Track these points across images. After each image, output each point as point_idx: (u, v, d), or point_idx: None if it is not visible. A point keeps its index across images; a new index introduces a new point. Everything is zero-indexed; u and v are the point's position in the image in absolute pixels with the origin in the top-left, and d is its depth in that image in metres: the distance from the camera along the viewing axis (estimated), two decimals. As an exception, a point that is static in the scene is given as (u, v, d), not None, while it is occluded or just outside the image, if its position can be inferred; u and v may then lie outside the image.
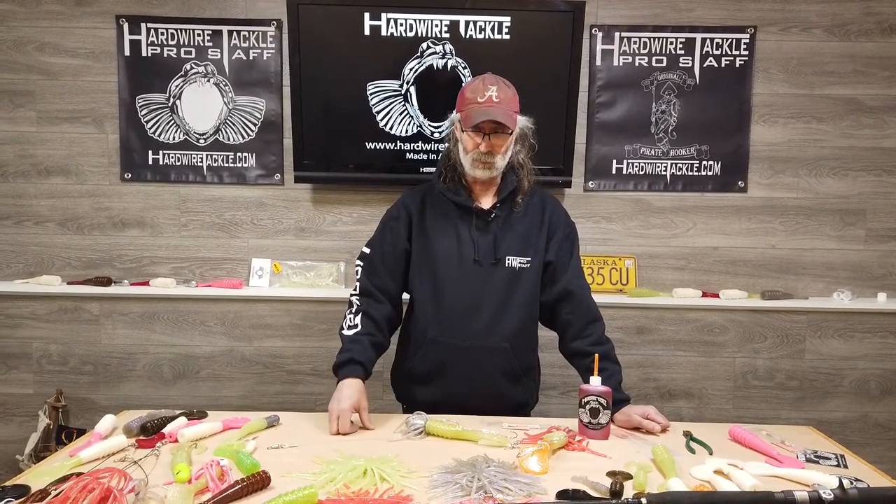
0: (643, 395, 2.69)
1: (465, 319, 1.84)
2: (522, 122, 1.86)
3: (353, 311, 1.88)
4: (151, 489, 1.29)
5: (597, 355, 1.73)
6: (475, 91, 1.78)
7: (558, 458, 1.54)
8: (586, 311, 1.90)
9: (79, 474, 1.32)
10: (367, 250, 1.95)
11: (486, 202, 1.88)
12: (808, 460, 1.56)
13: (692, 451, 1.61)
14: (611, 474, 1.41)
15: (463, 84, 1.85)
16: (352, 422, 1.70)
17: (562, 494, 1.32)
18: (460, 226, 1.87)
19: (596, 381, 1.68)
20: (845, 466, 1.53)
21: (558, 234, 1.92)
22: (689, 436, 1.68)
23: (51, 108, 2.63)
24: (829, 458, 1.57)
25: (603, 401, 1.65)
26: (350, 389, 1.74)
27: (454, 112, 1.87)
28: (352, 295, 1.92)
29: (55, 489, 1.23)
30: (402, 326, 2.00)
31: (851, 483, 1.32)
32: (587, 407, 1.66)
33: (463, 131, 1.81)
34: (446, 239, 1.87)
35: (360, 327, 1.85)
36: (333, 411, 1.69)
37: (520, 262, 1.86)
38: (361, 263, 1.94)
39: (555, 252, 1.90)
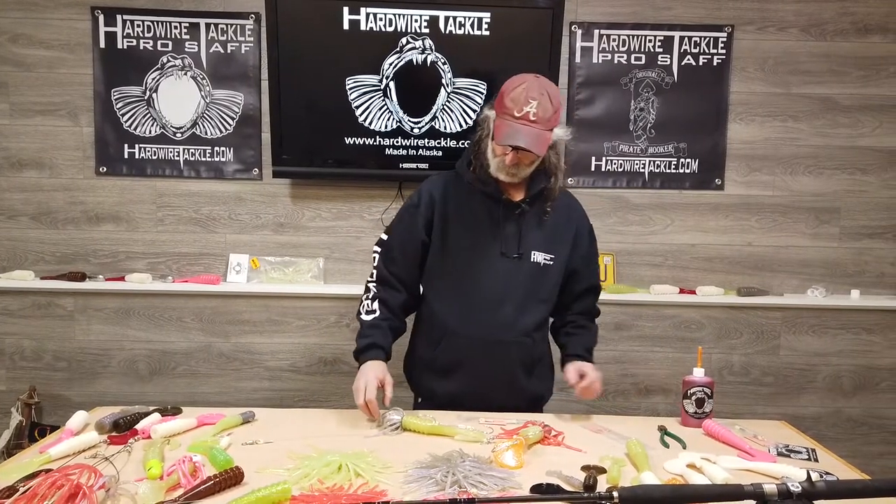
0: (621, 391, 2.71)
1: (488, 312, 1.83)
2: (560, 133, 1.81)
3: (371, 296, 1.88)
4: (122, 485, 1.28)
5: None
6: (515, 101, 1.71)
7: (533, 453, 1.54)
8: (593, 306, 2.03)
9: (48, 471, 1.30)
10: (384, 237, 1.93)
11: (516, 196, 1.86)
12: (780, 454, 1.58)
13: (666, 445, 1.62)
14: (585, 468, 1.41)
15: (511, 79, 1.78)
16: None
17: (536, 488, 1.32)
18: (487, 217, 1.85)
19: (699, 372, 1.76)
20: (816, 460, 1.56)
21: (584, 241, 1.94)
22: (663, 430, 1.70)
23: (24, 101, 2.59)
24: (800, 452, 1.59)
25: (708, 390, 1.73)
26: (374, 367, 1.76)
27: (492, 106, 1.80)
28: (369, 281, 1.91)
29: (23, 486, 1.21)
30: (419, 317, 1.98)
31: (821, 476, 1.34)
32: (693, 398, 1.74)
33: (493, 138, 1.78)
34: (471, 230, 1.85)
35: (378, 313, 1.86)
36: (361, 385, 1.71)
37: (545, 259, 1.86)
38: (379, 250, 1.92)
39: (580, 259, 1.92)
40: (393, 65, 2.50)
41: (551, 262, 1.86)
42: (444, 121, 2.55)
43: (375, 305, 1.86)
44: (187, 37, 2.57)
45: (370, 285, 1.90)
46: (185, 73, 2.59)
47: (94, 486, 1.21)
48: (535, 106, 1.70)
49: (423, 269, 1.92)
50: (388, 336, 1.86)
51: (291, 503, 1.24)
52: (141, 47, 2.57)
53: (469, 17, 2.47)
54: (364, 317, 1.87)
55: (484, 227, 1.85)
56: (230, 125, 2.62)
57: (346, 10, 2.45)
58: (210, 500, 1.26)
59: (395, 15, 2.46)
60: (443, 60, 2.50)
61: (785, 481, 1.01)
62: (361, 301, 1.90)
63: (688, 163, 2.68)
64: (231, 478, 1.31)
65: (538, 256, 1.85)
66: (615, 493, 1.01)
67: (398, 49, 2.49)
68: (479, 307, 1.83)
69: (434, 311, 1.89)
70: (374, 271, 1.91)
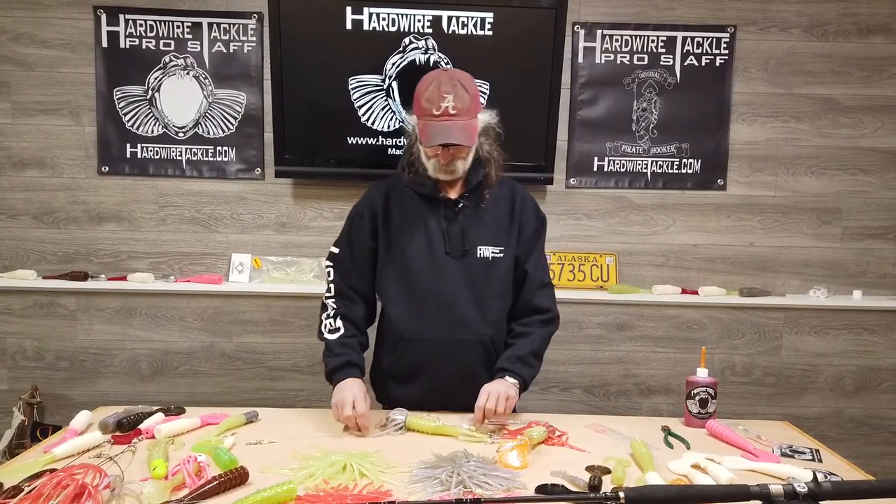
0: (623, 391, 2.71)
1: (440, 313, 1.81)
2: (485, 118, 1.82)
3: (331, 313, 1.85)
4: (127, 485, 1.28)
5: None
6: (431, 100, 1.71)
7: (538, 453, 1.54)
8: (532, 296, 1.89)
9: (52, 471, 1.30)
10: (335, 250, 1.91)
11: (454, 193, 1.85)
12: (784, 455, 1.58)
13: (670, 445, 1.62)
14: (589, 469, 1.42)
15: (421, 79, 1.77)
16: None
17: (541, 489, 1.32)
18: (428, 218, 1.83)
19: (703, 373, 1.76)
20: (820, 461, 1.56)
21: (527, 229, 1.89)
22: (667, 431, 1.70)
23: (26, 100, 2.59)
24: (804, 453, 1.60)
25: (711, 391, 1.74)
26: (357, 384, 1.74)
27: (412, 112, 1.81)
28: (326, 297, 1.88)
29: (28, 486, 1.21)
30: (378, 326, 1.96)
31: (826, 477, 1.34)
32: (696, 398, 1.74)
33: (422, 143, 1.77)
34: (415, 232, 1.83)
35: (342, 330, 1.83)
36: (347, 398, 1.66)
37: (493, 252, 1.83)
38: (332, 264, 1.90)
39: (523, 247, 1.88)
40: (396, 65, 2.50)
41: (501, 255, 1.84)
42: (446, 121, 2.54)
43: (339, 322, 1.84)
44: (190, 36, 2.57)
45: (328, 302, 1.87)
46: (188, 73, 2.59)
47: (100, 486, 1.21)
48: (451, 99, 1.70)
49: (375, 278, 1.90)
50: (359, 353, 1.84)
51: (296, 503, 1.25)
52: (143, 47, 2.57)
53: (472, 18, 2.47)
54: (328, 336, 1.84)
55: (427, 229, 1.83)
56: (232, 125, 2.62)
57: (348, 9, 2.45)
58: (215, 499, 1.26)
59: (398, 15, 2.46)
60: (446, 60, 2.50)
61: (791, 482, 1.01)
62: (321, 320, 1.87)
63: (690, 163, 2.68)
64: (236, 478, 1.31)
65: (485, 251, 1.83)
66: (621, 494, 1.01)
67: (401, 49, 2.49)
68: (432, 309, 1.81)
69: (389, 318, 1.87)
70: (331, 286, 1.88)
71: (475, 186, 1.84)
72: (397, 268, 1.84)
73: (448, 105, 1.70)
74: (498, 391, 1.70)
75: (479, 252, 1.82)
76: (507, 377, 1.76)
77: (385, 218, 1.86)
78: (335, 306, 1.86)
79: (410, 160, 1.85)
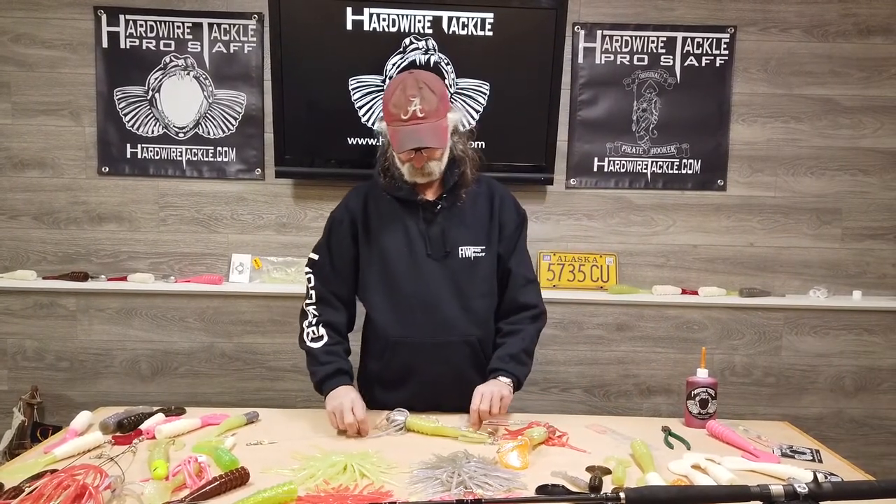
0: (623, 392, 2.71)
1: (425, 316, 1.80)
2: (455, 117, 1.81)
3: (314, 321, 1.84)
4: (128, 486, 1.28)
5: None
6: (398, 105, 1.71)
7: (538, 454, 1.55)
8: (517, 294, 1.89)
9: (53, 471, 1.30)
10: (315, 256, 1.90)
11: (431, 194, 1.85)
12: (784, 455, 1.58)
13: (670, 446, 1.62)
14: (590, 469, 1.42)
15: (387, 85, 1.75)
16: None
17: (541, 489, 1.32)
18: (408, 221, 1.83)
19: (703, 373, 1.76)
20: (820, 461, 1.56)
21: (508, 227, 1.89)
22: (667, 431, 1.70)
23: (26, 101, 2.59)
24: (804, 453, 1.60)
25: (712, 391, 1.74)
26: (350, 391, 1.73)
27: (382, 118, 1.81)
28: (307, 304, 1.87)
29: (29, 486, 1.21)
30: (364, 332, 1.95)
31: (826, 477, 1.34)
32: (697, 398, 1.74)
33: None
34: (395, 236, 1.82)
35: (326, 338, 1.82)
36: (346, 403, 1.65)
37: (474, 252, 1.83)
38: (311, 270, 1.89)
39: (504, 244, 1.88)
40: (396, 65, 2.50)
41: (483, 254, 1.84)
42: (446, 121, 2.54)
43: (322, 331, 1.82)
44: (190, 37, 2.57)
45: (309, 309, 1.86)
46: (188, 73, 2.59)
47: (101, 487, 1.21)
48: (417, 102, 1.70)
49: (357, 284, 1.89)
50: (347, 360, 1.83)
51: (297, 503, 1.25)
52: (143, 47, 2.57)
53: (472, 18, 2.47)
54: (312, 344, 1.82)
55: (407, 232, 1.82)
56: (233, 125, 2.62)
57: (349, 10, 2.45)
58: (216, 500, 1.26)
59: (398, 15, 2.46)
60: (446, 61, 2.50)
61: (791, 482, 1.01)
62: (303, 328, 1.85)
63: (690, 163, 2.68)
64: (237, 478, 1.31)
65: (467, 251, 1.83)
66: (622, 494, 1.01)
67: (401, 49, 2.49)
68: (416, 312, 1.81)
69: (375, 323, 1.87)
70: (312, 292, 1.87)
71: (452, 187, 1.84)
72: (379, 272, 1.84)
73: (415, 108, 1.70)
74: (491, 392, 1.69)
75: (460, 252, 1.82)
76: (500, 377, 1.76)
77: (364, 223, 1.86)
78: (316, 313, 1.85)
79: (385, 165, 1.85)
